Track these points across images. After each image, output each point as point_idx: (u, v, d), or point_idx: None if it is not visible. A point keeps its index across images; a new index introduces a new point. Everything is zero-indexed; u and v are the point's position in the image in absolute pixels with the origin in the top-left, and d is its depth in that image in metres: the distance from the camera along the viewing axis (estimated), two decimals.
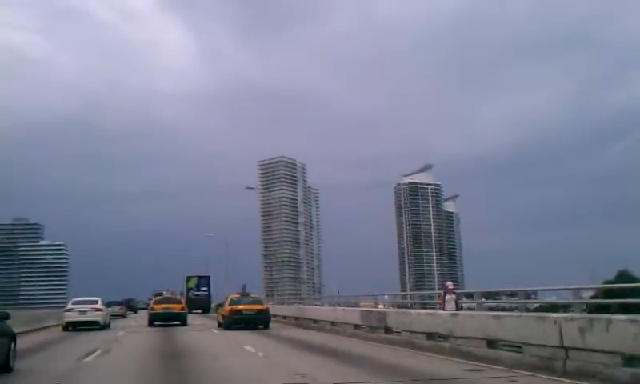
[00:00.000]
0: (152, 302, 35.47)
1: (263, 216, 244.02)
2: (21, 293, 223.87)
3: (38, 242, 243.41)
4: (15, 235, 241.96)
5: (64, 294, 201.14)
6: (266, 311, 28.63)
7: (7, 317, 12.05)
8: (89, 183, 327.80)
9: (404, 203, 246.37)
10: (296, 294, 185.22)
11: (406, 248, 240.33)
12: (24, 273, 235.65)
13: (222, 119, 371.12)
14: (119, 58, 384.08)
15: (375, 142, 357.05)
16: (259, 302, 30.20)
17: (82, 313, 28.54)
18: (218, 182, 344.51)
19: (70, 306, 29.70)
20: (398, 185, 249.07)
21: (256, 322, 27.43)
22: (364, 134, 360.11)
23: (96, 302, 29.64)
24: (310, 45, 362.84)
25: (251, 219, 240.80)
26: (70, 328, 27.92)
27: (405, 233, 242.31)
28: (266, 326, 27.49)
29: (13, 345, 12.06)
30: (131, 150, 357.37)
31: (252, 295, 32.03)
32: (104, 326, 28.91)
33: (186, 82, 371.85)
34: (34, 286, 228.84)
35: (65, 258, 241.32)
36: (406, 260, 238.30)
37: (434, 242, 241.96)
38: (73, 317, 28.48)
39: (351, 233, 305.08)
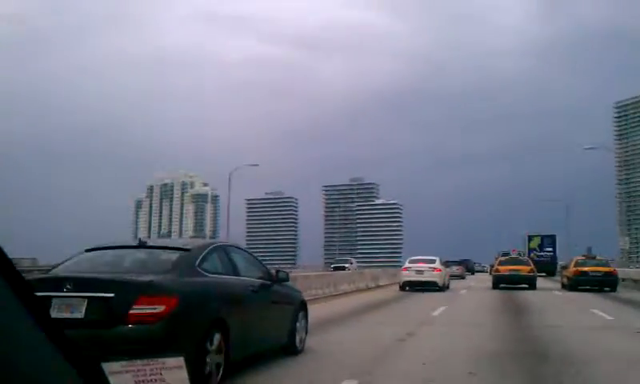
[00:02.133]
0: (497, 262, 35.08)
1: (619, 167, 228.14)
2: (357, 250, 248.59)
3: (372, 201, 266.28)
4: (352, 195, 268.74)
5: (399, 252, 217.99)
6: (613, 274, 29.17)
7: (286, 279, 9.57)
8: (425, 146, 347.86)
9: None
10: None
11: None
12: (360, 230, 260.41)
13: (564, 69, 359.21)
14: (452, 20, 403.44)
15: None
16: (606, 265, 30.39)
17: (419, 272, 28.88)
18: (566, 139, 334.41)
19: (406, 264, 30.33)
20: None
21: (602, 284, 28.25)
22: None
23: (434, 261, 29.75)
24: None
25: (599, 179, 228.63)
26: (407, 288, 28.45)
27: None
28: (613, 289, 28.12)
29: (302, 317, 9.80)
30: (470, 110, 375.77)
31: (598, 258, 32.12)
32: (442, 287, 28.88)
33: (520, 36, 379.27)
34: (369, 243, 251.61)
35: (399, 217, 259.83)
36: None
37: None
38: (410, 276, 29.01)
39: None
